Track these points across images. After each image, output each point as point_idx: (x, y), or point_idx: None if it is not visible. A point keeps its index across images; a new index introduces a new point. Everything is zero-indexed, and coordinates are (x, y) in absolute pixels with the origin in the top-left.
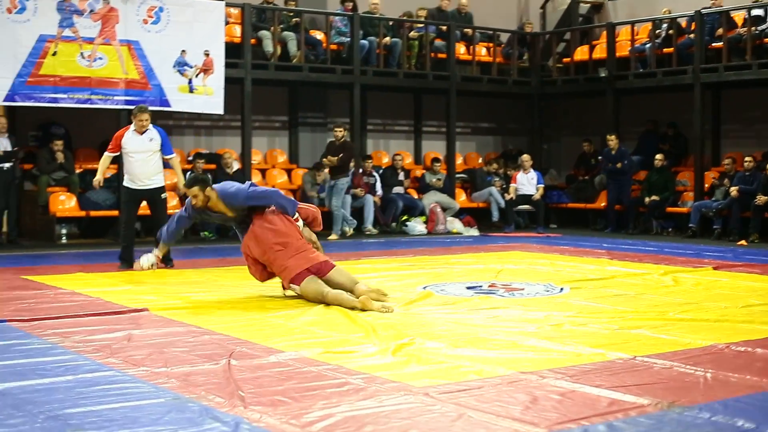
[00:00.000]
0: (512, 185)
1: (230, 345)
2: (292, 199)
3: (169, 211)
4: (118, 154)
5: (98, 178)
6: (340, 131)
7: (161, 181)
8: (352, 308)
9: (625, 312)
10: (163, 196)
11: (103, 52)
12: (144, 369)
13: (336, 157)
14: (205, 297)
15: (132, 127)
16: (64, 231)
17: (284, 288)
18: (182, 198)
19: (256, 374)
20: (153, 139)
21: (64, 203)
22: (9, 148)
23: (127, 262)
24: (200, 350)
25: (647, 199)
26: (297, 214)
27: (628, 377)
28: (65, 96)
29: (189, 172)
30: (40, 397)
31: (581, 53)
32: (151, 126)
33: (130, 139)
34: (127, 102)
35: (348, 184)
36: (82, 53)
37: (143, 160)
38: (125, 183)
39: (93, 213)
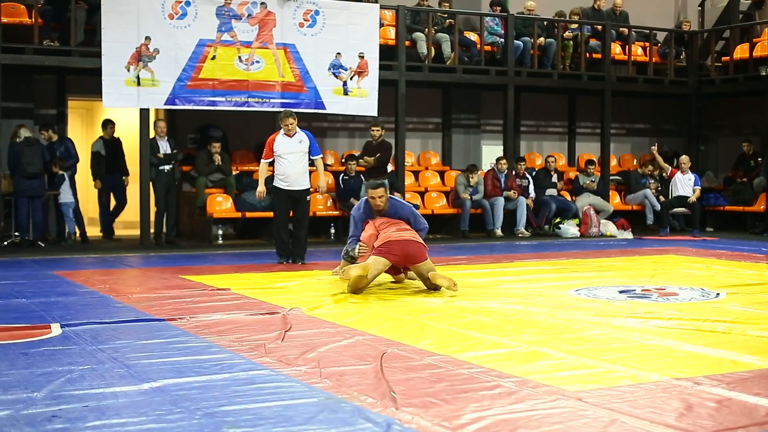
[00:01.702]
0: (671, 174)
1: (381, 346)
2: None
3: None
4: (272, 159)
5: (262, 189)
6: (378, 130)
7: (308, 183)
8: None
9: None
10: (308, 198)
11: (260, 56)
12: (297, 368)
13: (372, 158)
14: (355, 298)
15: (281, 131)
16: (220, 231)
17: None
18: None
19: (408, 375)
20: (302, 141)
21: (221, 204)
22: (169, 151)
23: (284, 257)
24: (352, 351)
25: None
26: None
27: None
28: (223, 99)
29: (342, 174)
30: (197, 394)
31: (741, 51)
32: (298, 129)
33: (282, 143)
34: (283, 105)
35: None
36: (240, 57)
37: (295, 161)
38: (276, 184)
39: (248, 214)
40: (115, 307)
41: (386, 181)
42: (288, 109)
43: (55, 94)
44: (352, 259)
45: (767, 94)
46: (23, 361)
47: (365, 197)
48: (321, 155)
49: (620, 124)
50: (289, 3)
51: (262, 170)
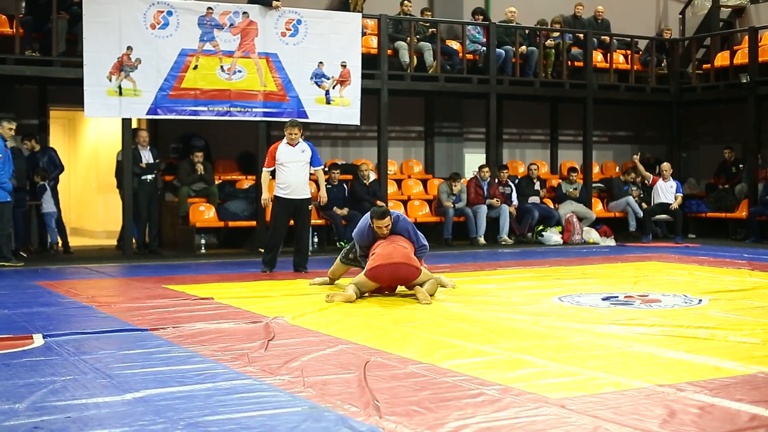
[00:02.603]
0: (653, 181)
1: (365, 355)
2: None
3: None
4: (274, 168)
5: (266, 197)
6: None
7: (309, 193)
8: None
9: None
10: (309, 207)
11: (242, 65)
12: (280, 378)
13: None
14: (339, 307)
15: (284, 140)
16: (203, 241)
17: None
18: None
19: (392, 384)
20: (305, 151)
21: (204, 214)
22: (151, 161)
23: (269, 266)
24: (335, 360)
25: None
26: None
27: None
28: (205, 108)
29: (325, 183)
30: (180, 404)
31: (722, 59)
32: (301, 139)
33: (284, 152)
34: (265, 114)
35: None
36: (222, 66)
37: (296, 170)
38: (276, 192)
39: (231, 223)
40: (98, 317)
41: (387, 208)
42: (294, 119)
43: (37, 104)
44: (349, 261)
45: (748, 102)
46: (5, 372)
47: (367, 222)
48: (322, 166)
49: (602, 132)
50: (272, 12)
51: (264, 178)
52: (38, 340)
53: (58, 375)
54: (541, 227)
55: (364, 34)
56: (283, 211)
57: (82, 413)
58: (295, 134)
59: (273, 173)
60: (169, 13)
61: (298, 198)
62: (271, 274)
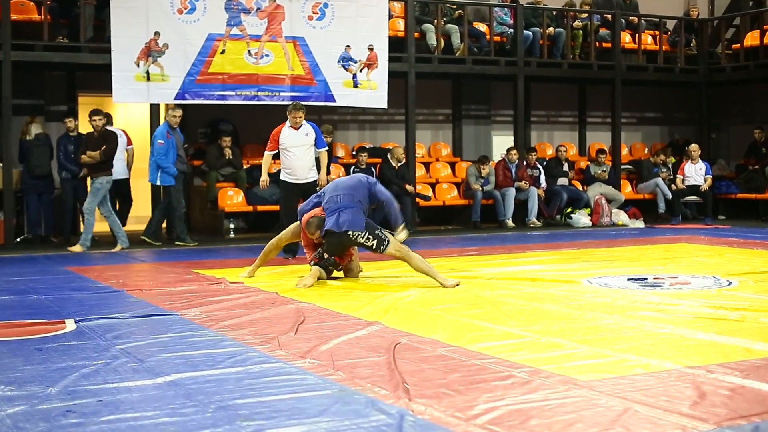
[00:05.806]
0: (679, 177)
1: (394, 337)
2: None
3: None
4: (277, 151)
5: (264, 178)
6: (99, 119)
7: (315, 175)
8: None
9: None
10: (318, 189)
11: (269, 49)
12: (310, 361)
13: (98, 152)
14: (367, 290)
15: (287, 123)
16: (232, 225)
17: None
18: None
19: (421, 366)
20: (308, 133)
21: (232, 198)
22: None
23: (291, 252)
24: (365, 342)
25: None
26: None
27: None
28: (233, 93)
29: (353, 167)
30: (210, 387)
31: (752, 38)
32: (305, 121)
33: (288, 135)
34: (293, 98)
35: (110, 183)
36: (249, 51)
37: (301, 154)
38: (283, 177)
39: (260, 208)
40: (129, 301)
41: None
42: (297, 101)
43: (66, 90)
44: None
45: None
46: (38, 357)
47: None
48: (326, 148)
49: (631, 113)
50: None
51: (265, 161)
52: (70, 324)
53: (90, 359)
54: (569, 209)
55: (391, 17)
56: (291, 195)
57: (113, 397)
58: (299, 117)
59: (275, 156)
60: None
61: (306, 182)
62: (298, 258)
